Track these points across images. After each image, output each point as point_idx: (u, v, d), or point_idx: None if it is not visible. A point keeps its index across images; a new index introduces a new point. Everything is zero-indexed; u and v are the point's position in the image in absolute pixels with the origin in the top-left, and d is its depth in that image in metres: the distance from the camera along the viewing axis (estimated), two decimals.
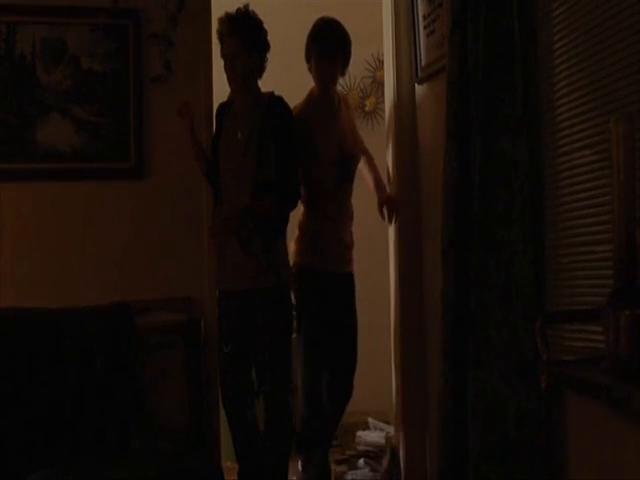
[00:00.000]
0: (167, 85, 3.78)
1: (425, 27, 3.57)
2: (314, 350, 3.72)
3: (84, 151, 3.70)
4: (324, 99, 3.82)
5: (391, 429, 4.22)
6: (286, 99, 3.56)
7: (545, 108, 2.59)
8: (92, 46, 3.71)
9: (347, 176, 3.82)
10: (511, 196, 2.55)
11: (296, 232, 3.80)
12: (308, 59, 3.82)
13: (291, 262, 3.65)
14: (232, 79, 3.49)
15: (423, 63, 3.63)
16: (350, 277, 3.89)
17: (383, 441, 4.23)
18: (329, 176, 3.76)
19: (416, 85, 3.81)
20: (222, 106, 3.61)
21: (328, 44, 3.75)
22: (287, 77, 5.42)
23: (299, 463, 3.82)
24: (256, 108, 3.50)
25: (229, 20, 3.47)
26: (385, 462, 4.04)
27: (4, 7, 3.66)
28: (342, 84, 5.22)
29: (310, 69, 3.82)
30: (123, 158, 3.74)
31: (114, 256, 3.71)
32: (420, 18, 3.63)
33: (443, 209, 2.85)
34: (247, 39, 3.45)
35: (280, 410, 3.47)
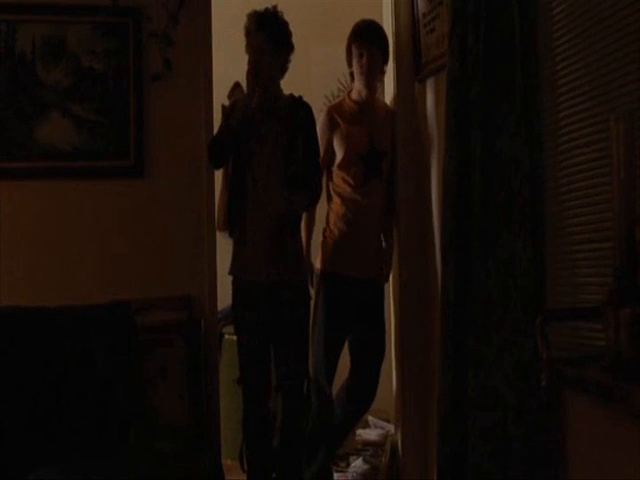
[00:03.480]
0: (167, 84, 3.78)
1: (425, 25, 3.57)
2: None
3: (84, 149, 3.70)
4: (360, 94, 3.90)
5: (391, 427, 4.22)
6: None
7: (545, 106, 2.59)
8: (92, 44, 3.71)
9: (371, 174, 3.85)
10: (511, 194, 2.55)
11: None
12: (350, 58, 3.90)
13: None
14: (255, 74, 3.47)
15: (423, 61, 3.63)
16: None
17: (383, 439, 4.23)
18: (355, 168, 3.83)
19: (416, 83, 3.81)
20: (237, 102, 3.57)
21: (369, 42, 3.84)
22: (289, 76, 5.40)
23: None
24: (277, 105, 3.55)
25: (258, 16, 3.51)
26: (385, 460, 4.04)
27: (4, 5, 3.66)
28: (342, 83, 5.22)
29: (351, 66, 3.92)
30: (123, 157, 3.74)
31: (114, 254, 3.71)
32: (420, 16, 3.62)
33: (443, 207, 2.85)
34: (274, 36, 3.49)
35: (303, 401, 3.56)
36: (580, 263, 2.40)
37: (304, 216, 3.87)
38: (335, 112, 3.88)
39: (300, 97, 3.62)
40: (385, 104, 4.00)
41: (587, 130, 2.33)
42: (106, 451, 3.08)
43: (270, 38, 3.48)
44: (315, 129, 3.67)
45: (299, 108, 3.59)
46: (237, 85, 3.59)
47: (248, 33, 3.53)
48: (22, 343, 3.12)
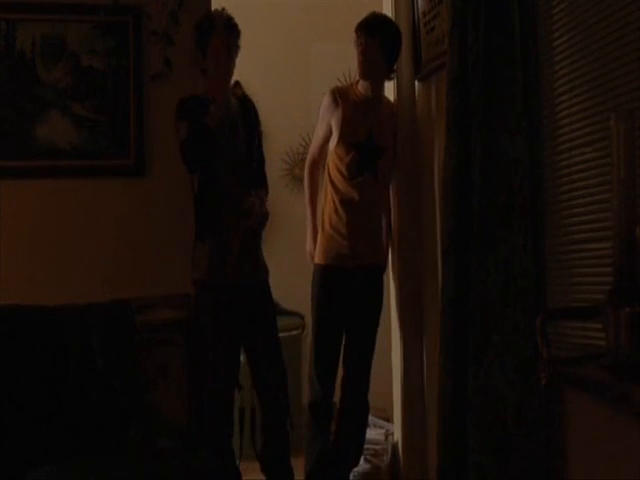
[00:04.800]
0: (167, 83, 3.78)
1: (425, 24, 3.57)
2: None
3: (84, 148, 3.70)
4: (365, 87, 3.83)
5: (391, 426, 4.22)
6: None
7: (545, 105, 2.59)
8: (92, 43, 3.71)
9: (366, 167, 3.79)
10: (511, 193, 2.55)
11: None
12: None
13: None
14: (225, 73, 3.47)
15: (423, 60, 3.63)
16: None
17: (383, 438, 4.22)
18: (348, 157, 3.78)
19: (416, 82, 3.81)
20: (189, 100, 3.49)
21: (364, 33, 3.77)
22: (289, 76, 5.40)
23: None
24: (231, 104, 3.53)
25: (227, 18, 3.49)
26: (387, 460, 4.04)
27: (4, 4, 3.66)
28: (342, 82, 5.22)
29: None
30: (123, 155, 3.74)
31: (114, 253, 3.71)
32: (420, 15, 3.63)
33: (443, 206, 2.85)
34: (238, 38, 3.50)
35: (285, 396, 3.54)
36: (580, 262, 2.41)
37: (309, 209, 3.92)
38: (339, 94, 3.84)
39: (245, 95, 3.63)
40: (390, 105, 3.96)
41: (587, 129, 2.34)
42: (106, 450, 3.08)
43: (236, 39, 3.49)
44: (260, 127, 3.68)
45: (250, 104, 3.60)
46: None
47: (211, 33, 3.45)
48: (22, 342, 3.13)
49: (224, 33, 3.45)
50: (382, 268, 3.90)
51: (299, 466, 3.79)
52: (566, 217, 2.48)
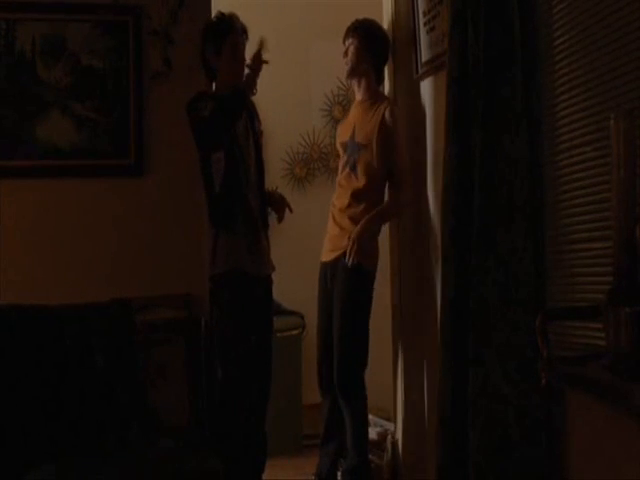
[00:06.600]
0: (167, 82, 3.78)
1: (425, 24, 3.56)
2: None
3: (83, 148, 3.70)
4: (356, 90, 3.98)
5: (391, 426, 4.22)
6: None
7: (545, 104, 2.59)
8: (92, 43, 3.71)
9: (349, 163, 3.84)
10: (511, 193, 2.55)
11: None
12: None
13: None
14: (243, 69, 3.52)
15: (423, 60, 3.63)
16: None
17: (383, 438, 4.22)
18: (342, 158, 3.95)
19: (416, 82, 3.81)
20: (202, 95, 3.50)
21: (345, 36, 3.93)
22: (289, 75, 5.39)
23: None
24: None
25: (239, 19, 3.56)
26: (387, 459, 4.04)
27: (4, 3, 3.67)
28: (341, 80, 5.22)
29: None
30: (123, 155, 3.75)
31: (114, 253, 3.71)
32: (420, 15, 3.62)
33: (443, 206, 2.85)
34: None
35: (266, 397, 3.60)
36: (580, 262, 2.41)
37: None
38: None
39: None
40: (385, 103, 3.95)
41: (587, 129, 2.34)
42: (106, 450, 3.08)
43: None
44: (260, 126, 3.73)
45: (249, 106, 3.61)
46: None
47: (230, 32, 3.51)
48: (22, 341, 3.12)
49: (238, 34, 3.53)
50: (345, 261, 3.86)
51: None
52: (566, 217, 2.48)
